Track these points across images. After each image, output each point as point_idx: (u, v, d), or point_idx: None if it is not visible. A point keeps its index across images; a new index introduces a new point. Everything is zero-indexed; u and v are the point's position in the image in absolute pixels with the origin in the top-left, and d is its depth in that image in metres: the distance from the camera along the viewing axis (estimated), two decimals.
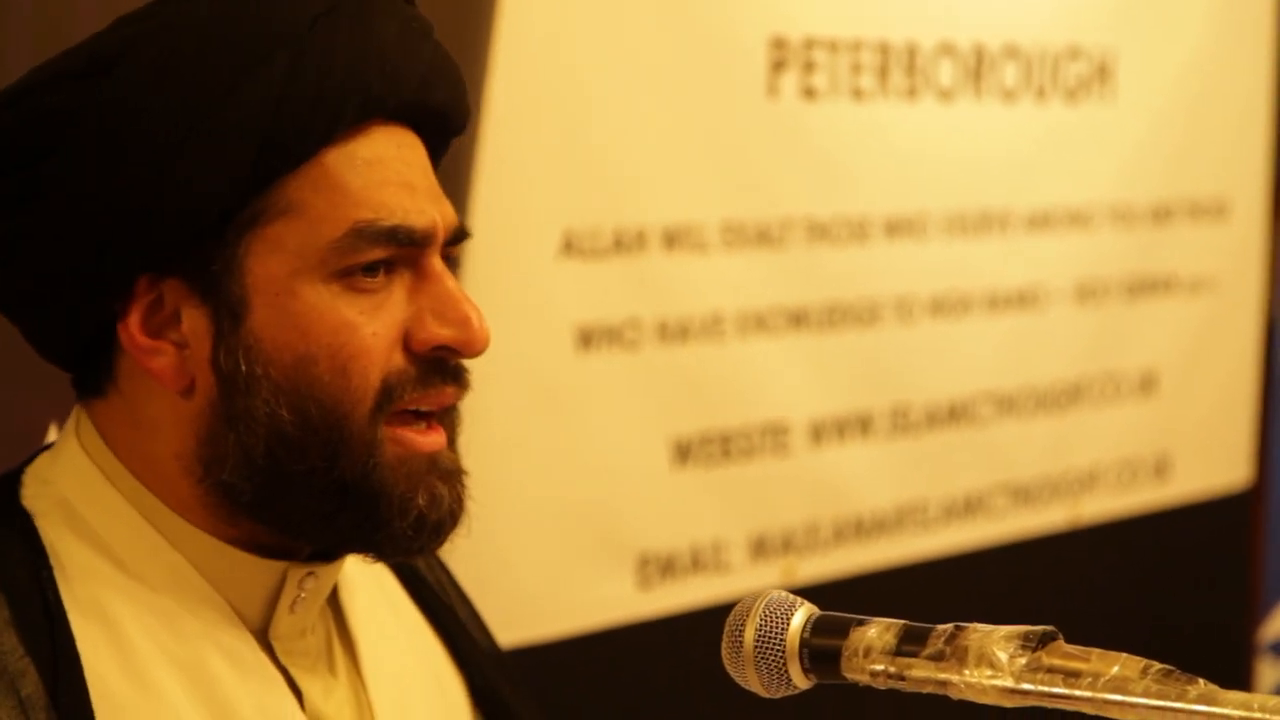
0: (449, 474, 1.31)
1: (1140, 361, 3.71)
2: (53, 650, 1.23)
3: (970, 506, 3.40)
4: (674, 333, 2.85)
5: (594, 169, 2.71)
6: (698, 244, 2.86)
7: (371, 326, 1.26)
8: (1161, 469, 3.80)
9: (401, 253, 1.28)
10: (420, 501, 1.28)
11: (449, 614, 1.54)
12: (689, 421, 2.89)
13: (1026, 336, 3.47)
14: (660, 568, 2.87)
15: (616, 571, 2.82)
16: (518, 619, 2.68)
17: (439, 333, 1.28)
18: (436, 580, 1.58)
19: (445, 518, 1.30)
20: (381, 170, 1.27)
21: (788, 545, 3.07)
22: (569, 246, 2.69)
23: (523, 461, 2.68)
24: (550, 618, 2.74)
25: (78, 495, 1.31)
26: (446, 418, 1.33)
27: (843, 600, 2.69)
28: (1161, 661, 1.06)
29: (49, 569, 1.27)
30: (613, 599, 2.81)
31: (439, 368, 1.29)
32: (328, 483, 1.26)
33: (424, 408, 1.30)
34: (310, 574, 1.34)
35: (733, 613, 1.18)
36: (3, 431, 1.72)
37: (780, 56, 2.96)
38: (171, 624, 1.28)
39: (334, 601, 1.41)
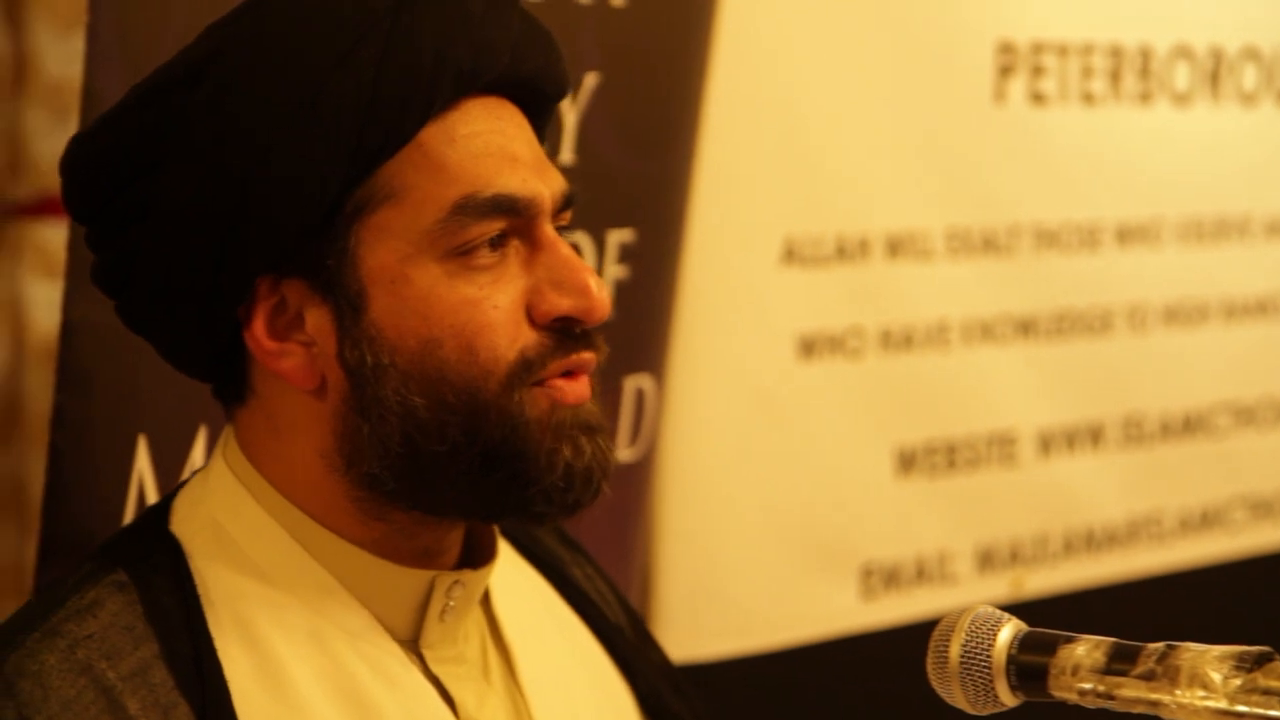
0: (591, 427, 1.29)
1: None
2: (201, 683, 1.24)
3: (1207, 519, 3.32)
4: (897, 341, 2.82)
5: (815, 176, 2.70)
6: (922, 251, 2.83)
7: (492, 300, 1.25)
8: None
9: (510, 224, 1.27)
10: (566, 452, 1.27)
11: (609, 623, 1.53)
12: (913, 431, 2.86)
13: (1267, 346, 3.37)
14: (884, 578, 2.85)
15: (840, 582, 2.81)
16: (740, 629, 2.68)
17: (559, 303, 1.27)
18: (596, 590, 1.57)
19: (593, 466, 1.28)
20: (480, 143, 1.27)
21: (1015, 557, 3.02)
22: (790, 254, 2.68)
23: (745, 471, 2.67)
24: (773, 628, 2.74)
25: (225, 515, 1.32)
26: (587, 372, 1.31)
27: (1073, 614, 2.65)
28: None
29: (195, 598, 1.28)
30: (836, 610, 2.80)
31: (570, 335, 1.28)
32: (471, 457, 1.26)
33: (566, 376, 1.28)
34: (457, 582, 1.34)
35: (938, 627, 1.16)
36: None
37: (1008, 61, 2.92)
38: (319, 642, 1.29)
39: (487, 608, 1.41)
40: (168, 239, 1.26)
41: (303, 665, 1.28)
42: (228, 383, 1.33)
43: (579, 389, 1.29)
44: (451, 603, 1.33)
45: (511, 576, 1.44)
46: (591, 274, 1.28)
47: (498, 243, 1.27)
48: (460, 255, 1.25)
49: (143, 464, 1.69)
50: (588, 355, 1.29)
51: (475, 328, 1.25)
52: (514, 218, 1.27)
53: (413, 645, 1.33)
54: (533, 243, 1.28)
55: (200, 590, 1.29)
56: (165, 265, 1.27)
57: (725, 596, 2.64)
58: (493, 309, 1.25)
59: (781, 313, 2.69)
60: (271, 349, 1.27)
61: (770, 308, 2.68)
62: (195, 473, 1.40)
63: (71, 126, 1.61)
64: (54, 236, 2.89)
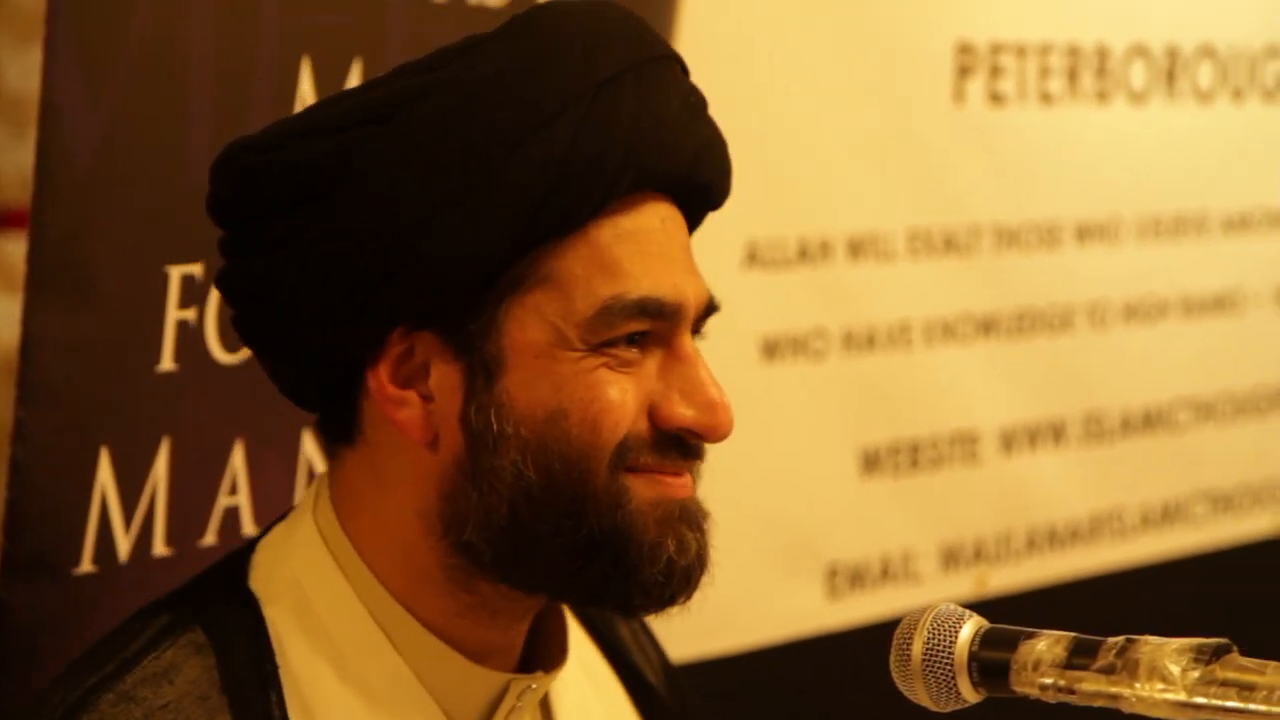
0: (696, 520, 1.30)
1: None
2: None
3: (1168, 514, 3.34)
4: (860, 342, 2.83)
5: (777, 179, 2.71)
6: (883, 252, 2.84)
7: (624, 393, 1.25)
8: None
9: (654, 326, 1.27)
10: (670, 547, 1.27)
11: (663, 706, 1.52)
12: (877, 431, 2.87)
13: (1225, 341, 3.40)
14: (849, 578, 2.86)
15: (805, 582, 2.82)
16: (706, 630, 2.68)
17: (684, 413, 1.27)
18: (640, 648, 1.56)
19: (694, 563, 1.29)
20: (643, 243, 1.27)
21: (979, 555, 3.04)
22: (753, 257, 2.69)
23: (709, 473, 2.66)
24: (740, 629, 2.74)
25: (309, 581, 1.30)
26: (693, 470, 1.32)
27: (1037, 610, 2.66)
28: None
29: (275, 671, 1.27)
30: (801, 610, 2.81)
31: (678, 444, 1.29)
32: (575, 539, 1.25)
33: (666, 472, 1.28)
34: (530, 687, 1.33)
35: (901, 626, 1.17)
36: (191, 446, 1.75)
37: (967, 62, 2.93)
38: None
39: (543, 701, 1.40)
40: (317, 269, 1.25)
41: None
42: (337, 420, 1.32)
43: (684, 482, 1.29)
44: (519, 704, 1.33)
45: (570, 662, 1.41)
46: (721, 393, 1.29)
47: (639, 340, 1.27)
48: (604, 349, 1.25)
49: (105, 476, 1.69)
50: (684, 464, 1.29)
51: (601, 406, 1.24)
52: (659, 320, 1.27)
53: None
54: (671, 350, 1.29)
55: (280, 662, 1.27)
56: (308, 294, 1.26)
57: (694, 598, 2.64)
58: (624, 400, 1.25)
59: (745, 315, 2.69)
60: (392, 395, 1.26)
61: (734, 310, 2.65)
62: (278, 520, 1.38)
63: (30, 140, 1.60)
64: (14, 250, 2.88)
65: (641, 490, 1.26)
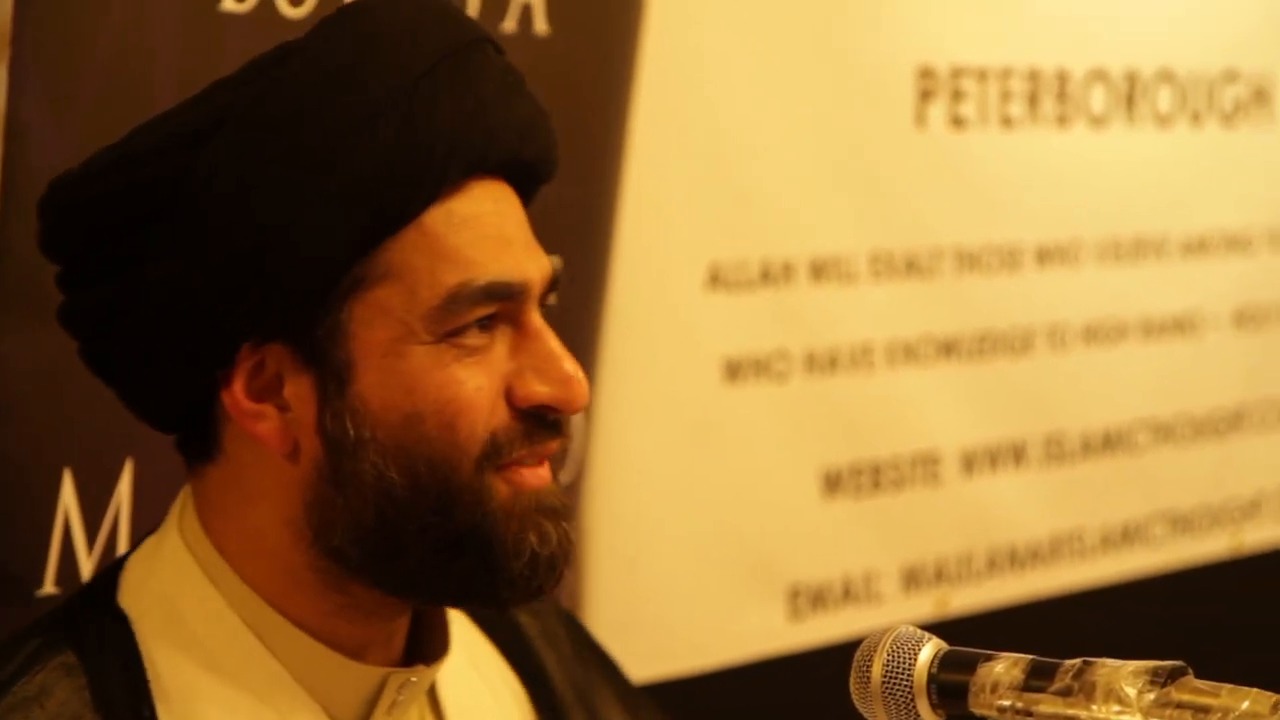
0: (555, 511, 1.30)
1: None
2: None
3: (1128, 536, 3.36)
4: (822, 364, 2.84)
5: (740, 201, 2.72)
6: (846, 275, 2.86)
7: (475, 381, 1.26)
8: None
9: (501, 308, 1.28)
10: (532, 540, 1.28)
11: (547, 682, 1.53)
12: (839, 452, 2.88)
13: (1184, 363, 3.42)
14: (811, 599, 2.87)
15: (767, 603, 2.82)
16: (668, 651, 2.69)
17: (540, 390, 1.28)
18: (546, 631, 1.55)
19: (557, 553, 1.29)
20: (478, 227, 1.27)
21: (940, 576, 3.05)
22: (716, 279, 2.70)
23: (672, 494, 2.69)
24: (701, 650, 2.75)
25: (178, 594, 1.30)
26: (550, 457, 1.33)
27: (997, 631, 2.67)
28: None
29: (146, 687, 1.27)
30: (764, 630, 2.81)
31: (541, 422, 1.29)
32: (441, 537, 1.26)
33: (529, 463, 1.29)
34: (409, 680, 1.33)
35: (861, 648, 1.18)
36: (154, 468, 1.74)
37: (928, 86, 2.95)
38: None
39: (431, 695, 1.40)
40: (159, 293, 1.25)
41: None
42: (196, 439, 1.32)
43: (541, 473, 1.30)
44: (400, 698, 1.33)
45: (459, 659, 1.42)
46: (574, 364, 1.30)
47: (487, 324, 1.27)
48: (451, 336, 1.26)
49: (68, 498, 1.69)
50: (554, 444, 1.30)
51: (457, 407, 1.25)
52: (505, 302, 1.28)
53: None
54: (519, 327, 1.29)
55: (151, 676, 1.27)
56: (152, 319, 1.26)
57: (654, 619, 2.65)
58: (476, 390, 1.26)
59: (707, 336, 2.70)
60: (248, 410, 1.26)
61: (696, 332, 2.69)
62: (144, 538, 1.38)
63: None
64: None
65: (501, 487, 1.27)
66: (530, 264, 1.30)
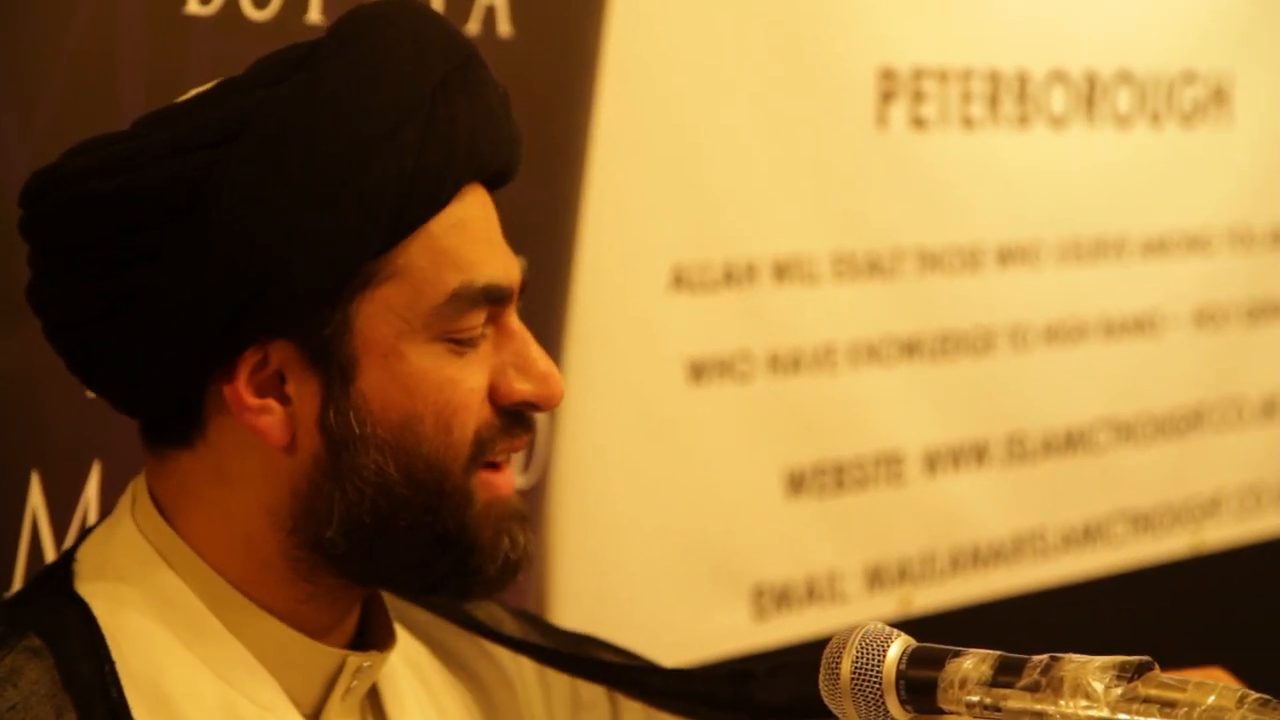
0: (524, 517, 1.35)
1: (1262, 386, 3.67)
2: None
3: (1089, 534, 3.38)
4: (786, 364, 2.85)
5: (703, 202, 2.73)
6: (808, 275, 2.87)
7: (469, 383, 1.30)
8: None
9: (491, 309, 1.31)
10: (506, 544, 1.32)
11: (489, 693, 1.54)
12: (802, 452, 2.89)
13: (1144, 363, 3.44)
14: (775, 599, 2.88)
15: (731, 603, 2.83)
16: (633, 650, 2.69)
17: (522, 388, 1.32)
18: (490, 615, 1.57)
19: (522, 559, 1.34)
20: (472, 230, 1.30)
21: (903, 575, 3.06)
22: (679, 280, 2.71)
23: (636, 494, 2.69)
24: (665, 649, 2.74)
25: (135, 579, 1.31)
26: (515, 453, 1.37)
27: (960, 630, 2.69)
28: None
29: (110, 662, 1.27)
30: (728, 630, 2.82)
31: (519, 419, 1.33)
32: (428, 535, 1.29)
33: (501, 458, 1.33)
34: (365, 664, 1.35)
35: (829, 645, 1.18)
36: (123, 470, 1.74)
37: (889, 87, 2.97)
38: (232, 714, 1.29)
39: (370, 689, 1.42)
40: (172, 290, 1.25)
41: None
42: (172, 425, 1.31)
43: (508, 479, 1.34)
44: (355, 684, 1.35)
45: (393, 656, 1.43)
46: (550, 362, 1.34)
47: (479, 325, 1.31)
48: (448, 337, 1.29)
49: (36, 500, 1.68)
50: (527, 439, 1.35)
51: (453, 408, 1.29)
52: (496, 304, 1.31)
53: None
54: (500, 327, 1.33)
55: (116, 658, 1.28)
56: (160, 314, 1.26)
57: (619, 620, 2.65)
58: (469, 391, 1.30)
59: (671, 337, 2.71)
60: (253, 405, 1.27)
61: (660, 332, 2.70)
62: (96, 525, 1.38)
63: None
64: None
65: (480, 491, 1.31)
66: (513, 266, 1.34)
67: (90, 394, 1.36)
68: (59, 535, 1.70)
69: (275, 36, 1.86)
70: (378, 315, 1.27)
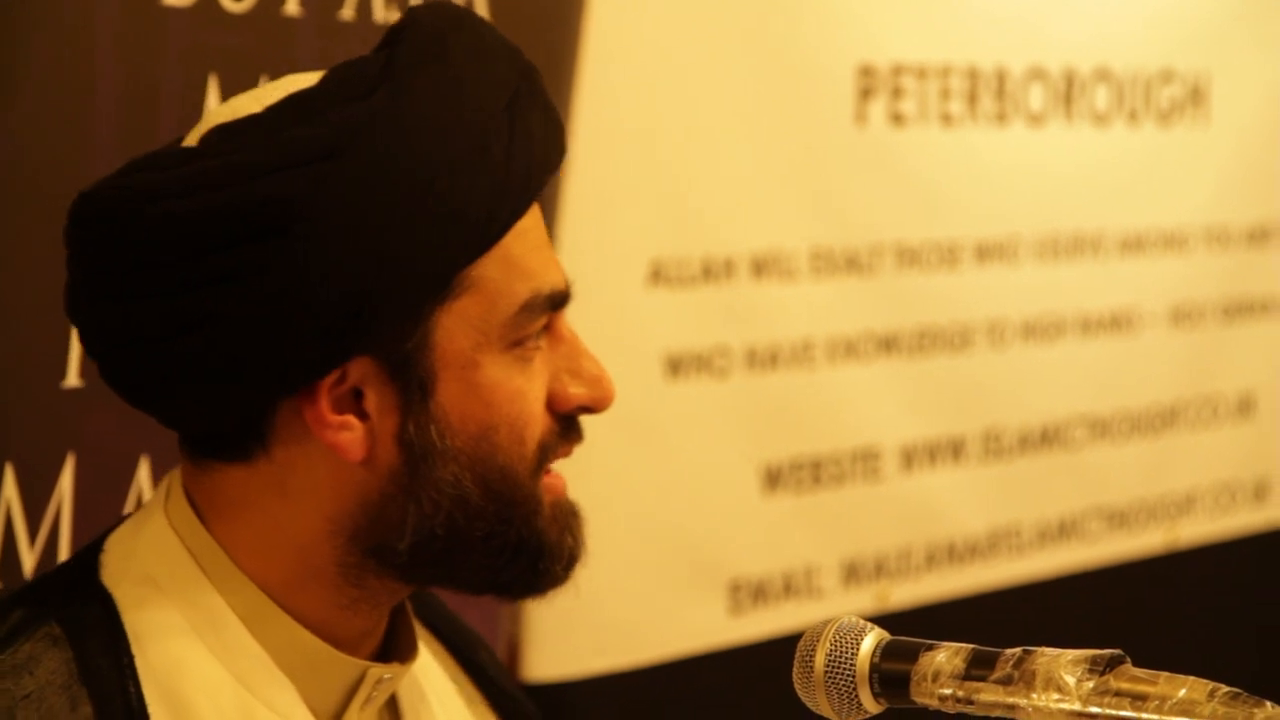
0: (578, 513, 1.37)
1: (1237, 384, 3.68)
2: None
3: (1065, 530, 3.39)
4: (763, 360, 2.86)
5: (681, 198, 2.73)
6: (786, 271, 2.87)
7: (535, 392, 1.30)
8: (1261, 492, 3.76)
9: (550, 316, 1.31)
10: (569, 542, 1.34)
11: (516, 706, 1.55)
12: (779, 448, 2.90)
13: (1120, 360, 3.45)
14: (752, 594, 2.88)
15: (708, 598, 2.83)
16: (611, 646, 2.70)
17: (578, 393, 1.32)
18: (496, 666, 1.58)
19: (580, 553, 1.36)
20: (534, 239, 1.30)
21: (880, 570, 3.07)
22: (657, 275, 2.71)
23: (613, 489, 2.69)
24: (643, 644, 2.76)
25: (162, 578, 1.30)
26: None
27: (937, 625, 2.70)
28: (1261, 686, 1.06)
29: (130, 657, 1.26)
30: (705, 625, 2.82)
31: (573, 425, 1.34)
32: (502, 543, 1.30)
33: (553, 467, 1.34)
34: (386, 676, 1.35)
35: (803, 638, 1.18)
36: (96, 462, 1.74)
37: (868, 84, 2.97)
38: (249, 719, 1.28)
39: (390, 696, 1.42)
40: (259, 310, 1.22)
41: None
42: (231, 439, 1.29)
43: (562, 479, 1.35)
44: (375, 693, 1.35)
45: (418, 662, 1.43)
46: (601, 365, 1.34)
47: (540, 332, 1.31)
48: (517, 346, 1.29)
49: (9, 492, 1.68)
50: (578, 444, 1.35)
51: (525, 419, 1.29)
52: (556, 310, 1.31)
53: None
54: (552, 333, 1.32)
55: (135, 652, 1.27)
56: (245, 334, 1.23)
57: (596, 614, 2.65)
58: (536, 401, 1.30)
59: (649, 333, 2.71)
60: (333, 422, 1.26)
61: (638, 328, 2.70)
62: (127, 516, 1.36)
63: None
64: None
65: (545, 495, 1.32)
66: (563, 270, 1.34)
67: (64, 386, 1.35)
68: (32, 528, 1.70)
69: (252, 28, 1.86)
70: (455, 328, 1.26)
